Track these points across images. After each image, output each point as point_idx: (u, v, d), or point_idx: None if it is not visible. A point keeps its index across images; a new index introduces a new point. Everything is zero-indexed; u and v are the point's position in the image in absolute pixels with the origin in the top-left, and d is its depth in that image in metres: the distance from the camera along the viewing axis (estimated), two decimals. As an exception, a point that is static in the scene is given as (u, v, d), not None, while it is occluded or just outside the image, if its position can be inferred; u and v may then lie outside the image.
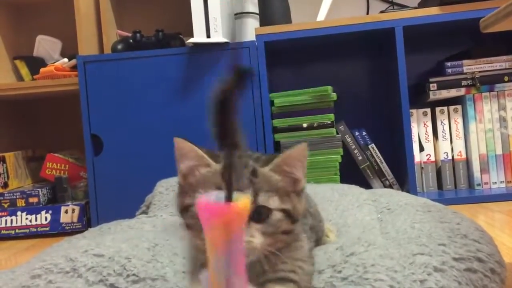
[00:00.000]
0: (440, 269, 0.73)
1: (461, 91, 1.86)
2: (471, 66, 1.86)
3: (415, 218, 0.98)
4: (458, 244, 0.81)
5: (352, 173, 1.86)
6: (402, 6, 2.07)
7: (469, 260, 0.77)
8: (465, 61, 1.86)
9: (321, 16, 1.90)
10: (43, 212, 1.85)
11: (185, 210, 0.61)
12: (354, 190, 1.32)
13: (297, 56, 2.13)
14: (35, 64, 2.08)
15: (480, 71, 1.85)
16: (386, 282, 0.69)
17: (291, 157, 0.62)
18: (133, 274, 0.73)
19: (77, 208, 1.84)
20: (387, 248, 0.81)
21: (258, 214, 0.57)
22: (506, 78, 1.84)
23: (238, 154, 0.58)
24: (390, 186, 1.90)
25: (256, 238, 0.57)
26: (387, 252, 0.79)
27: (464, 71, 1.86)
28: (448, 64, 1.87)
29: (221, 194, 0.48)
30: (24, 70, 2.12)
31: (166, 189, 1.39)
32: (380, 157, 1.92)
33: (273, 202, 0.58)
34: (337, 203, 1.23)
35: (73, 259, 0.78)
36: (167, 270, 0.76)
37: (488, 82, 1.85)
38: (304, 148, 0.62)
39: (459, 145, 1.89)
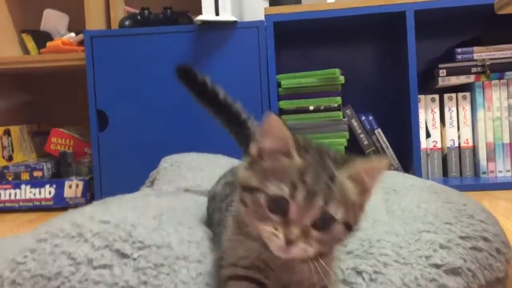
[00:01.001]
0: (446, 246, 0.73)
1: (471, 78, 1.85)
2: (482, 53, 1.84)
3: (421, 198, 0.98)
4: (464, 223, 0.81)
5: (357, 158, 1.85)
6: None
7: (475, 239, 0.76)
8: (475, 48, 1.84)
9: (332, -3, 1.88)
10: (47, 186, 1.85)
11: (248, 190, 0.57)
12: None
13: (305, 38, 2.11)
14: (42, 38, 2.07)
15: (490, 58, 1.83)
16: (391, 257, 0.69)
17: (374, 169, 0.57)
18: (139, 241, 0.73)
19: (81, 183, 1.85)
20: (392, 225, 0.81)
21: (322, 222, 0.54)
22: (516, 66, 1.82)
23: (319, 150, 0.57)
24: (395, 172, 1.89)
25: (312, 247, 0.54)
26: (393, 228, 0.78)
27: (475, 58, 1.84)
28: (459, 50, 1.85)
29: None
30: (30, 44, 2.11)
31: (171, 165, 1.39)
32: (386, 142, 1.91)
33: (340, 213, 0.55)
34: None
35: (79, 224, 0.77)
36: (172, 238, 0.76)
37: (498, 69, 1.83)
38: (387, 164, 0.58)
39: (466, 132, 1.88)
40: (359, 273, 0.65)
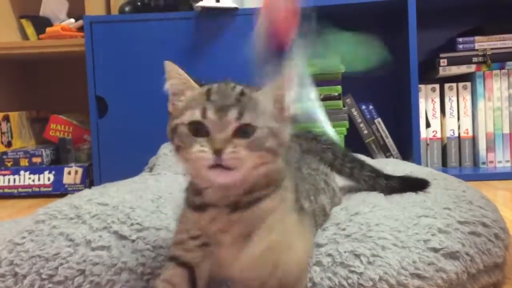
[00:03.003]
0: (445, 230, 0.73)
1: (472, 68, 1.84)
2: (483, 43, 1.82)
3: (420, 185, 0.97)
4: (463, 209, 0.81)
5: (357, 147, 1.84)
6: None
7: (473, 224, 0.76)
8: (477, 38, 1.83)
9: (333, -15, 1.86)
10: (46, 172, 1.85)
11: (174, 131, 0.60)
12: (360, 157, 1.31)
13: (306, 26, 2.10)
14: (41, 23, 2.06)
15: (491, 48, 1.82)
16: (389, 241, 0.69)
17: (281, 84, 0.62)
18: (137, 223, 0.73)
19: (80, 170, 1.85)
20: (391, 210, 0.81)
21: (244, 133, 0.57)
22: (518, 56, 1.81)
23: (225, 80, 0.62)
24: (394, 161, 1.89)
25: (242, 150, 0.56)
26: (392, 213, 0.78)
27: (476, 47, 1.83)
28: (460, 39, 1.84)
29: None
30: (30, 30, 2.09)
31: (170, 151, 1.39)
32: (386, 131, 1.91)
33: (259, 121, 0.58)
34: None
35: (77, 206, 0.78)
36: (170, 221, 0.76)
37: (500, 59, 1.82)
38: (293, 74, 0.62)
39: (466, 122, 1.87)
40: (357, 256, 0.65)
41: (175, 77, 0.63)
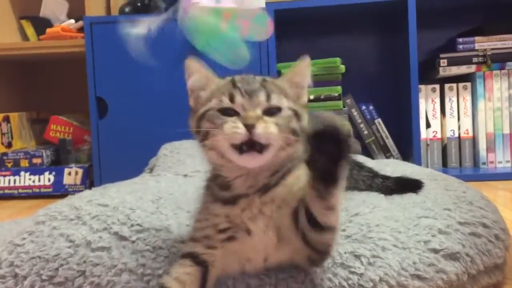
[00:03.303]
0: (445, 231, 0.73)
1: (472, 68, 1.84)
2: (483, 43, 1.82)
3: (420, 185, 0.97)
4: (463, 209, 0.81)
5: (357, 147, 1.85)
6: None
7: (473, 225, 0.76)
8: (477, 38, 1.83)
9: (333, -14, 1.87)
10: (46, 173, 1.85)
11: (201, 117, 0.61)
12: (359, 158, 1.31)
13: (306, 27, 2.10)
14: (41, 24, 2.06)
15: (492, 48, 1.82)
16: (390, 242, 0.69)
17: (300, 69, 0.66)
18: (137, 224, 0.73)
19: (80, 171, 1.85)
20: (391, 211, 0.81)
21: (271, 114, 0.60)
22: (518, 56, 1.81)
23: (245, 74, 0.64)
24: (394, 162, 1.89)
25: (273, 127, 0.58)
26: (392, 214, 0.78)
27: (476, 47, 1.83)
28: (460, 40, 1.84)
29: None
30: (30, 30, 2.09)
31: (170, 152, 1.39)
32: (386, 132, 1.91)
33: (284, 102, 0.61)
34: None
35: (78, 207, 0.78)
36: (171, 222, 0.76)
37: (500, 59, 1.82)
38: (309, 62, 0.66)
39: (467, 123, 1.87)
40: (357, 257, 0.65)
41: (198, 72, 0.66)
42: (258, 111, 0.59)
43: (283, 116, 0.60)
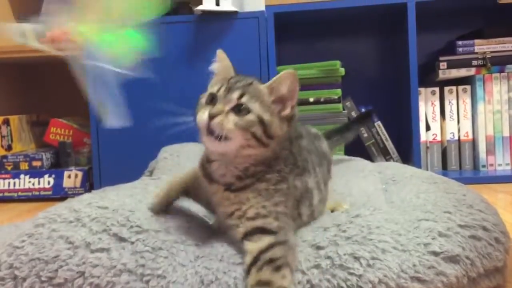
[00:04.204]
0: (445, 234, 0.72)
1: (471, 71, 1.84)
2: (483, 46, 1.83)
3: (420, 188, 0.97)
4: (463, 212, 0.80)
5: (357, 150, 1.84)
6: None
7: (474, 228, 0.76)
8: (476, 41, 1.83)
9: (333, -11, 1.87)
10: (46, 176, 1.85)
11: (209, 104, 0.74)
12: (359, 161, 1.31)
13: (306, 30, 2.10)
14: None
15: (491, 51, 1.82)
16: (390, 244, 0.69)
17: (281, 79, 0.74)
18: (137, 226, 0.73)
19: (80, 173, 1.85)
20: (392, 213, 0.81)
21: (238, 110, 0.71)
22: (517, 59, 1.82)
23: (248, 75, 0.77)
24: (394, 165, 1.89)
25: (229, 123, 0.70)
26: (392, 216, 0.78)
27: (475, 50, 1.83)
28: (460, 43, 1.84)
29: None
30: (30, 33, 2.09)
31: (170, 155, 1.39)
32: (386, 135, 1.91)
33: (255, 107, 0.72)
34: (342, 173, 1.22)
35: (77, 210, 0.77)
36: (170, 224, 0.76)
37: (499, 62, 1.83)
38: (292, 74, 0.73)
39: (466, 125, 1.87)
40: (357, 258, 0.65)
41: (222, 61, 0.81)
42: (227, 107, 0.71)
43: (246, 119, 0.71)
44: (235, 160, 0.73)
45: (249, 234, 0.69)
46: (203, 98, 0.75)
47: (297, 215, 0.78)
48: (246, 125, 0.70)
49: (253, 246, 0.67)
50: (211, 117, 0.70)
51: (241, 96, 0.71)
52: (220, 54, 0.81)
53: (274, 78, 0.74)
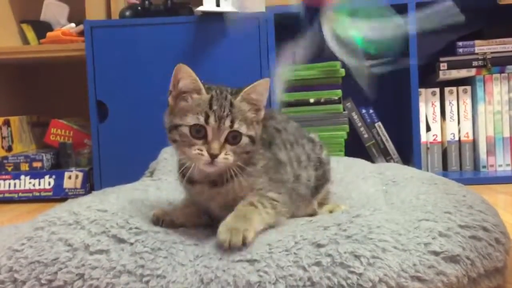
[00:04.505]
0: (445, 234, 0.72)
1: (472, 72, 1.84)
2: (483, 47, 1.83)
3: (420, 190, 0.97)
4: (464, 213, 0.80)
5: (357, 151, 1.84)
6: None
7: (474, 228, 0.76)
8: (477, 41, 1.83)
9: (333, -11, 1.87)
10: (46, 177, 1.85)
11: (174, 128, 0.76)
12: (359, 163, 1.31)
13: (306, 31, 2.10)
14: (42, 28, 2.07)
15: (492, 52, 1.82)
16: (390, 243, 0.69)
17: (257, 88, 0.78)
18: (136, 227, 0.73)
19: (80, 174, 1.85)
20: (392, 213, 0.81)
21: (233, 138, 0.75)
22: (518, 60, 1.81)
23: (219, 87, 0.79)
24: (395, 165, 1.89)
25: (230, 156, 0.74)
26: (393, 217, 0.78)
27: (476, 51, 1.83)
28: (460, 44, 1.84)
29: None
30: (30, 34, 2.10)
31: (171, 156, 1.38)
32: (386, 135, 1.91)
33: (244, 129, 0.76)
34: (342, 175, 1.22)
35: (76, 212, 0.77)
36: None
37: (500, 63, 1.83)
38: (267, 82, 0.78)
39: (467, 126, 1.87)
40: (357, 257, 0.65)
41: (190, 80, 0.77)
42: (223, 138, 0.74)
43: (241, 145, 0.76)
44: (223, 171, 0.77)
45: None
46: (185, 128, 0.75)
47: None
48: (242, 150, 0.76)
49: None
50: (213, 156, 0.73)
51: (231, 123, 0.74)
52: (184, 68, 0.78)
53: (249, 87, 0.78)
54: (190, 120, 0.74)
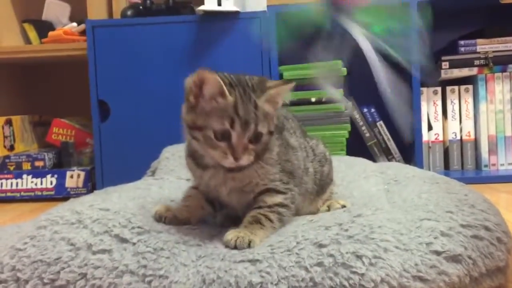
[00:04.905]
0: (447, 234, 0.72)
1: (474, 71, 1.84)
2: (485, 46, 1.82)
3: (422, 189, 0.98)
4: (465, 212, 0.80)
5: (359, 150, 1.84)
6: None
7: (476, 227, 0.76)
8: (479, 40, 1.83)
9: (335, -12, 1.87)
10: (48, 176, 1.85)
11: (197, 129, 0.77)
12: (361, 162, 1.31)
13: (308, 30, 2.09)
14: (44, 27, 2.07)
15: (493, 51, 1.82)
16: (392, 243, 0.69)
17: (283, 92, 0.80)
18: (138, 227, 0.73)
19: (82, 173, 1.85)
20: (394, 213, 0.81)
21: (256, 138, 0.77)
22: (520, 59, 1.81)
23: (240, 82, 0.78)
24: (396, 164, 1.89)
25: (252, 155, 0.77)
26: (394, 216, 0.78)
27: (478, 50, 1.83)
28: (462, 42, 1.84)
29: None
30: (32, 34, 2.10)
31: (172, 155, 1.39)
32: (388, 134, 1.91)
33: (264, 128, 0.78)
34: (343, 174, 1.23)
35: (79, 211, 0.78)
36: (172, 226, 0.76)
37: (502, 62, 1.82)
38: (291, 85, 0.81)
39: (468, 125, 1.87)
40: (359, 257, 0.65)
41: (213, 85, 0.75)
42: (245, 140, 0.76)
43: (262, 142, 0.78)
44: None
45: (262, 193, 0.82)
46: (209, 132, 0.75)
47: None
48: (263, 146, 0.79)
49: (267, 198, 0.81)
50: (237, 159, 0.75)
51: (256, 126, 0.76)
52: (208, 75, 0.76)
53: (274, 89, 0.79)
54: (215, 124, 0.75)
